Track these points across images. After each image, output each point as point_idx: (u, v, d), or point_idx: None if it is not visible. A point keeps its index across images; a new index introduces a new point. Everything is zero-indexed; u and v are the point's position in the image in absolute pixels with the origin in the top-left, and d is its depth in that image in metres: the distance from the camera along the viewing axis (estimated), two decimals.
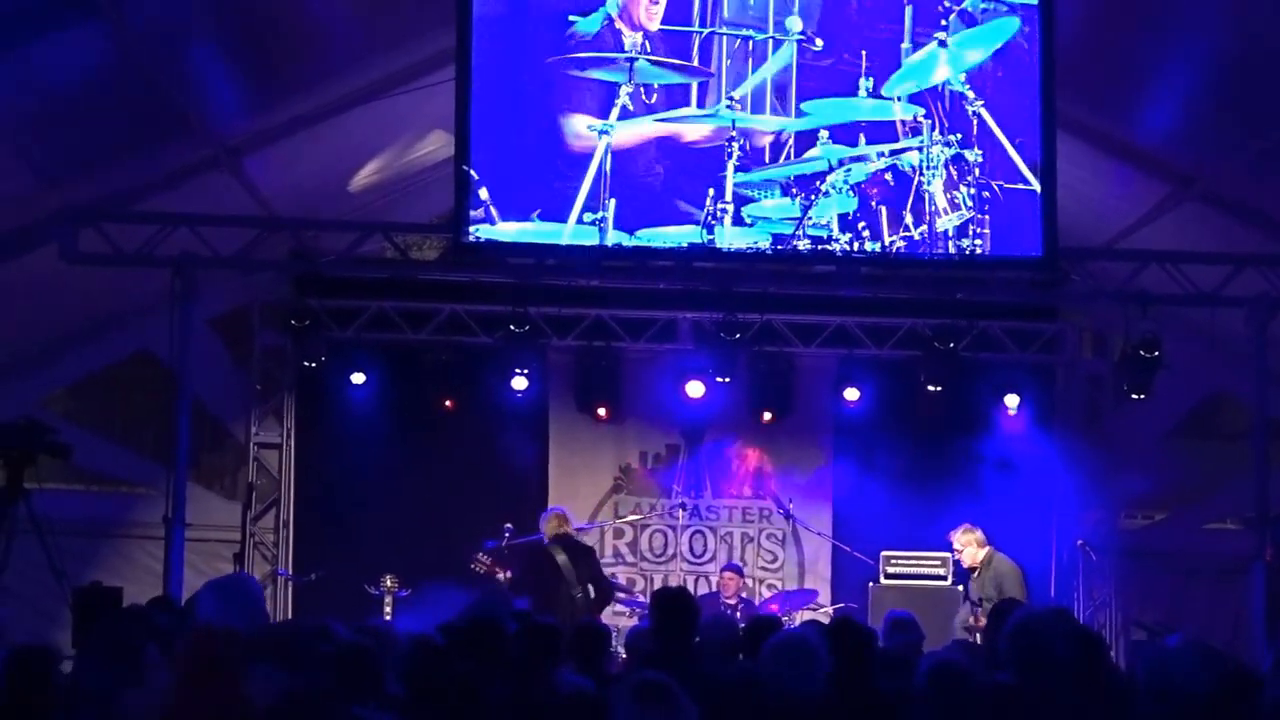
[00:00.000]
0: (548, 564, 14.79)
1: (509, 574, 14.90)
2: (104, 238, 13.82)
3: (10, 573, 13.13)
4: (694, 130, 13.48)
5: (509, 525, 15.43)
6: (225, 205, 14.36)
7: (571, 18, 13.31)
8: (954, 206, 13.52)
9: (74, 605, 13.08)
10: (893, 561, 16.14)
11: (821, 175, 13.51)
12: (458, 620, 8.51)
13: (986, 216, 13.54)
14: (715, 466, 17.58)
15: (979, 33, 13.45)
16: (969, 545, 15.03)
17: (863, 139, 13.48)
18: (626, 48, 13.32)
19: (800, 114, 13.47)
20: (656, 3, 13.32)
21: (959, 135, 13.44)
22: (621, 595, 16.32)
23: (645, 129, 13.42)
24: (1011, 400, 16.47)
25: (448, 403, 16.85)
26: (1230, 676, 6.92)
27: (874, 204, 13.58)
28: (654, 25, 13.33)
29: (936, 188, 13.51)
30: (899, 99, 13.43)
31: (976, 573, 14.98)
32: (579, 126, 13.39)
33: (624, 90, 13.33)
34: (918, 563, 16.10)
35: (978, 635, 13.42)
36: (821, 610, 16.17)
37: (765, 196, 13.56)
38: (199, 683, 6.83)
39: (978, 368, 16.49)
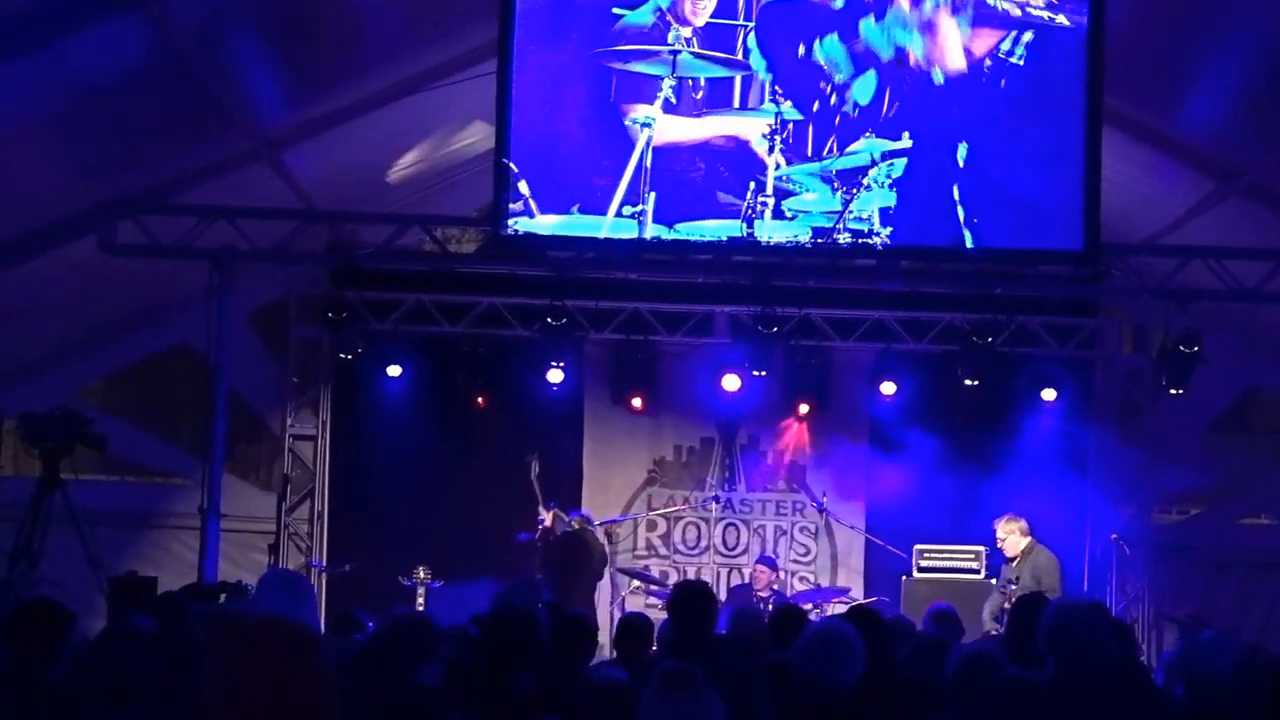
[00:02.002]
0: (585, 552, 14.88)
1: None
2: (143, 230, 13.83)
3: (47, 562, 13.19)
4: (737, 126, 13.44)
5: (542, 518, 15.45)
6: (264, 198, 14.35)
7: (616, 10, 13.28)
8: None
9: (109, 595, 13.08)
10: (926, 555, 16.09)
11: (864, 169, 13.46)
12: (490, 611, 8.52)
13: None
14: (749, 460, 17.57)
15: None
16: (1012, 534, 15.06)
17: (906, 133, 13.42)
18: (670, 41, 13.28)
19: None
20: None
21: None
22: (654, 587, 16.34)
23: (692, 130, 13.39)
24: (1049, 395, 16.40)
25: (480, 400, 16.85)
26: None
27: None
28: (700, 20, 13.29)
29: None
30: None
31: (1015, 561, 14.97)
32: (621, 120, 13.36)
33: (666, 83, 13.30)
34: (951, 556, 16.06)
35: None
36: (849, 607, 16.12)
37: (807, 190, 13.52)
38: (263, 671, 6.84)
39: (1015, 362, 16.42)
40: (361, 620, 11.23)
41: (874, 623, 8.23)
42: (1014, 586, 14.44)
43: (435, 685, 6.49)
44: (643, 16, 13.28)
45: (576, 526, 15.40)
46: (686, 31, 13.28)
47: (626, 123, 13.38)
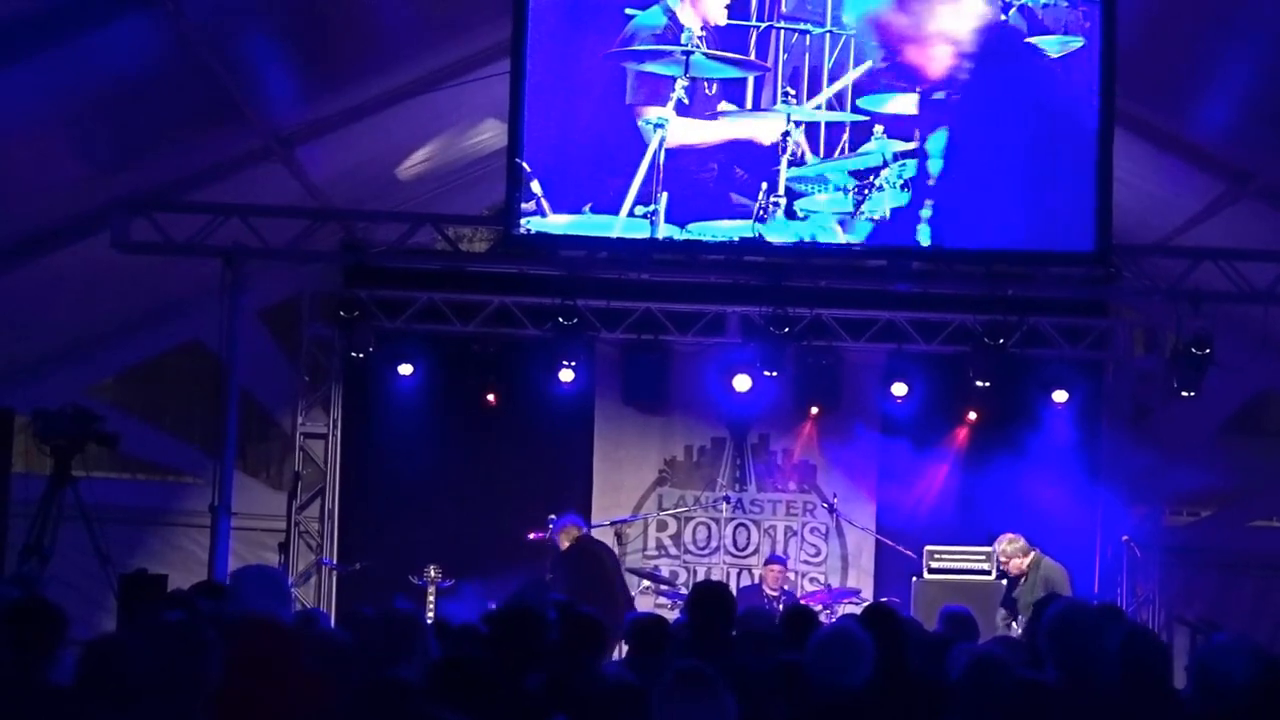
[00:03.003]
0: (599, 564, 14.87)
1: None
2: (156, 227, 13.83)
3: (57, 559, 13.21)
4: (750, 127, 13.43)
5: (553, 517, 15.46)
6: (277, 195, 14.38)
7: (629, 11, 13.28)
8: None
9: (119, 592, 13.11)
10: (936, 556, 16.03)
11: (875, 170, 13.46)
12: (500, 610, 8.53)
13: None
14: (760, 460, 17.57)
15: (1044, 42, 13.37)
16: (1015, 555, 15.01)
17: (918, 133, 13.42)
18: (683, 41, 13.29)
19: (856, 108, 13.42)
20: None
21: None
22: (664, 587, 16.34)
23: (704, 133, 13.38)
24: (1060, 396, 16.37)
25: (491, 397, 16.87)
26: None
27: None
28: (722, 19, 13.29)
29: None
30: None
31: (1024, 579, 14.94)
32: (634, 120, 13.37)
33: (679, 84, 13.30)
34: (962, 558, 16.00)
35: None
36: (864, 605, 16.12)
37: (818, 191, 13.52)
38: (254, 672, 6.83)
39: (1027, 363, 16.39)
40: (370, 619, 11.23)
41: (889, 622, 8.22)
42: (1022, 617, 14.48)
43: (415, 681, 6.47)
44: (654, 18, 13.28)
45: (564, 544, 15.23)
46: (697, 30, 13.27)
47: (640, 124, 13.38)
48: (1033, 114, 13.51)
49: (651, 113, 13.37)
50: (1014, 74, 13.43)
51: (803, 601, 15.76)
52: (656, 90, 13.36)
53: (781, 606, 14.69)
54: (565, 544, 15.05)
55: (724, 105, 13.41)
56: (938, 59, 13.36)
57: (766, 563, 16.21)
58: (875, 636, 7.34)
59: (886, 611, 8.83)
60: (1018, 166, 13.55)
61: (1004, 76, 13.44)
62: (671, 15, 13.28)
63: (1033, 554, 14.97)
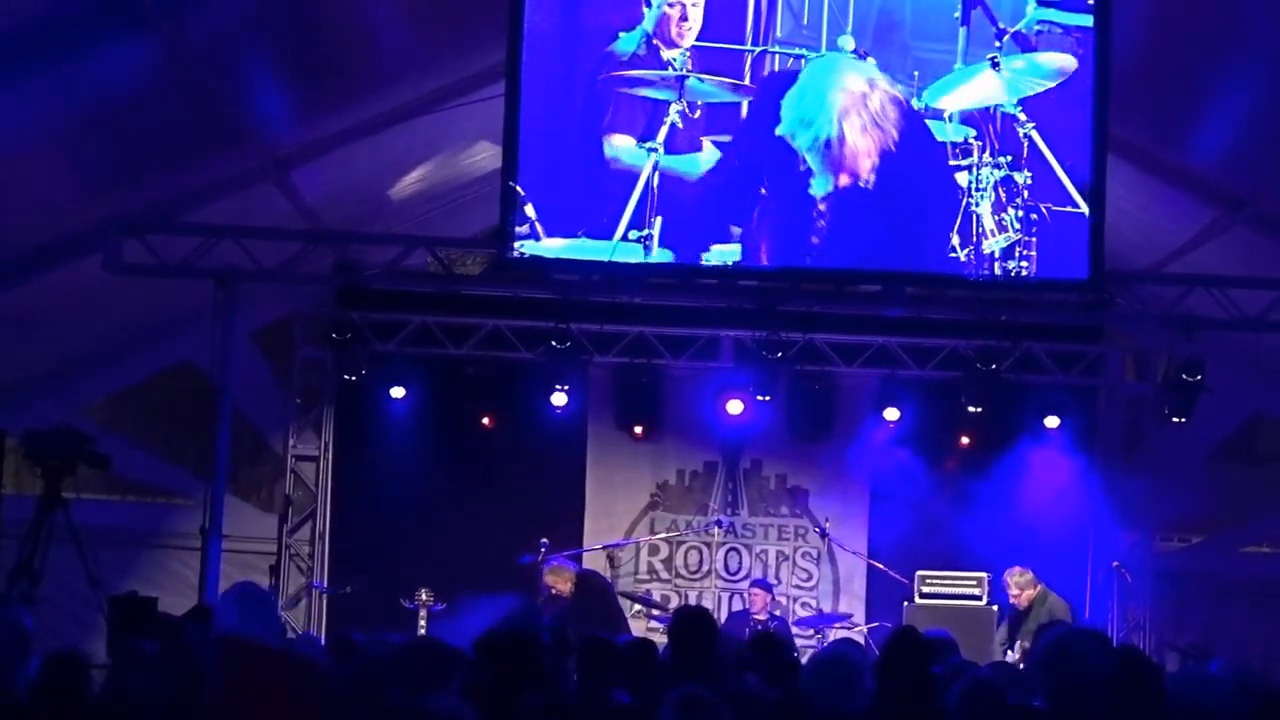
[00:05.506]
0: (606, 597, 14.89)
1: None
2: (148, 248, 13.81)
3: (47, 581, 13.14)
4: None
5: (545, 540, 15.46)
6: (270, 216, 14.35)
7: (622, 34, 13.30)
8: (1002, 228, 13.48)
9: (109, 614, 13.04)
10: (928, 581, 16.07)
11: None
12: (491, 635, 8.49)
13: (1034, 239, 13.48)
14: (752, 485, 17.56)
15: (1035, 66, 13.38)
16: (1025, 586, 15.06)
17: None
18: (677, 66, 13.29)
19: None
20: (686, 19, 13.30)
21: (1009, 157, 13.37)
22: (655, 611, 16.32)
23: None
24: (1052, 421, 16.38)
25: (485, 420, 16.88)
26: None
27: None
28: (686, 42, 13.30)
29: (985, 209, 13.45)
30: (949, 119, 13.39)
31: (1030, 612, 14.97)
32: (626, 144, 13.37)
33: (674, 108, 13.31)
34: (953, 583, 16.04)
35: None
36: (856, 630, 16.15)
37: None
38: (241, 697, 6.79)
39: (1019, 389, 16.40)
40: (360, 644, 11.17)
41: (903, 646, 8.16)
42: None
43: (448, 712, 6.45)
44: (632, 43, 13.29)
45: (566, 588, 15.16)
46: (682, 55, 13.28)
47: (633, 147, 13.38)
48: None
49: (619, 140, 13.38)
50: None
51: (794, 626, 15.85)
52: (647, 114, 13.36)
53: (774, 630, 14.71)
54: (567, 587, 14.99)
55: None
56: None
57: (751, 586, 16.17)
58: (892, 661, 7.31)
59: (912, 634, 8.76)
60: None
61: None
62: (647, 39, 13.29)
63: (1040, 587, 15.04)
